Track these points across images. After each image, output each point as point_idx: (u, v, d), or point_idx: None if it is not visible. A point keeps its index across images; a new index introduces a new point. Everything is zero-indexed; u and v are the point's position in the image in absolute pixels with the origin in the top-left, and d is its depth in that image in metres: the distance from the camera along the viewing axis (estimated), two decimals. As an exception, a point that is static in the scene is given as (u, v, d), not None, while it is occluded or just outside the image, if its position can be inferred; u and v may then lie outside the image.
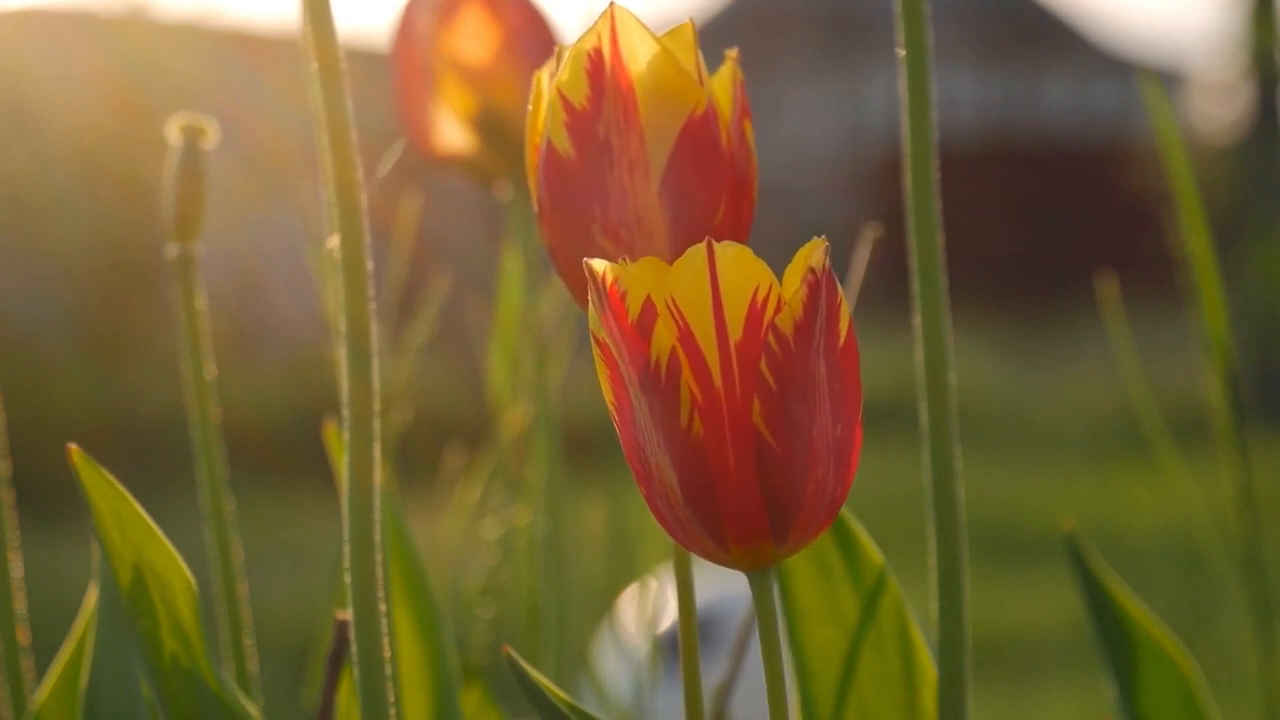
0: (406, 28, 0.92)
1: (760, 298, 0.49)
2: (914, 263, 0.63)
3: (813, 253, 0.49)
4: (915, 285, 0.63)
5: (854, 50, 10.38)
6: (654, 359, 0.49)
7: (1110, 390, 5.28)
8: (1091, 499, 3.89)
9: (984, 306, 7.35)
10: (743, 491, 0.50)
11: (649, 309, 0.49)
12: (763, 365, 0.49)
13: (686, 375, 0.49)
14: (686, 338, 0.49)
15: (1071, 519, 0.74)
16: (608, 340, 0.50)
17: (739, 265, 0.49)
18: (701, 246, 0.49)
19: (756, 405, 0.49)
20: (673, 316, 0.49)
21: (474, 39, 0.90)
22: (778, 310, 0.49)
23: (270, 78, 4.42)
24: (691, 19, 0.57)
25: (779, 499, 0.50)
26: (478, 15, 0.90)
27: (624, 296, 0.50)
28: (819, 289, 0.49)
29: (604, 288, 0.50)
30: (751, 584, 0.52)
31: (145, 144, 4.25)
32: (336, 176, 0.57)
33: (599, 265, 0.50)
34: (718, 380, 0.49)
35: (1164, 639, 0.72)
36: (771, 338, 0.49)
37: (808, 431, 0.50)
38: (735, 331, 0.49)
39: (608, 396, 0.51)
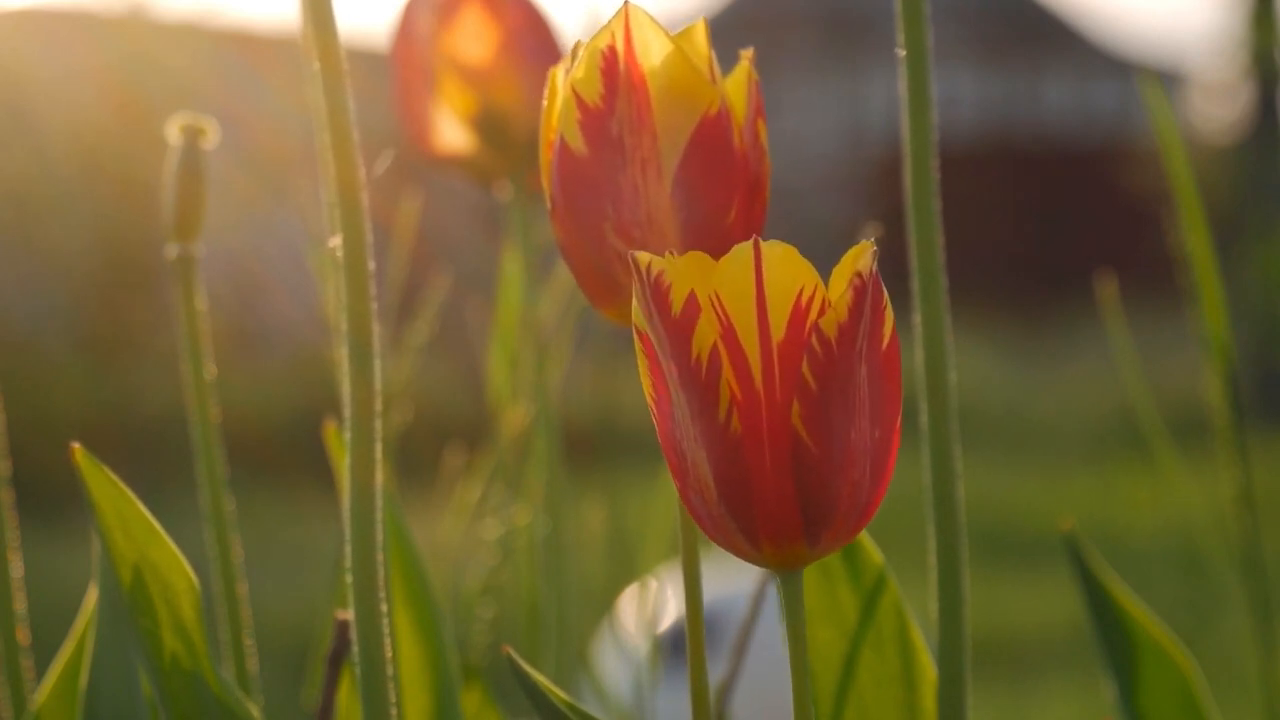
0: (406, 28, 0.92)
1: (805, 299, 0.49)
2: (914, 263, 0.63)
3: (860, 256, 0.49)
4: (915, 285, 0.63)
5: (854, 50, 10.38)
6: (695, 354, 0.49)
7: (1110, 390, 5.28)
8: (1091, 499, 3.89)
9: (984, 306, 7.35)
10: (778, 491, 0.50)
11: (692, 304, 0.49)
12: (804, 366, 0.49)
13: (727, 372, 0.49)
14: (729, 335, 0.49)
15: (1071, 519, 0.74)
16: (649, 332, 0.50)
17: (785, 265, 0.49)
18: (748, 245, 0.49)
19: (796, 406, 0.49)
20: (716, 313, 0.49)
21: (474, 39, 0.90)
22: (822, 312, 0.49)
23: (270, 78, 4.42)
24: (705, 18, 0.57)
25: (814, 500, 0.50)
26: (478, 15, 0.90)
27: (668, 290, 0.49)
28: (865, 293, 0.49)
29: (649, 280, 0.50)
30: (782, 584, 0.52)
31: (145, 144, 4.25)
32: (338, 176, 0.57)
33: (644, 258, 0.50)
34: (758, 379, 0.49)
35: (1164, 639, 0.72)
36: (814, 339, 0.49)
37: (846, 434, 0.50)
38: (778, 331, 0.49)
39: (646, 389, 0.51)
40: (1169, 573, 2.94)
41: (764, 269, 0.49)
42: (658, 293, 0.49)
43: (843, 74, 10.34)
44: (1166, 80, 8.78)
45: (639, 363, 0.51)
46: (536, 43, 0.90)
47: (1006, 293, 8.59)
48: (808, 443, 0.49)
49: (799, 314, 0.49)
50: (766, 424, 0.49)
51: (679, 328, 0.49)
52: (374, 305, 0.58)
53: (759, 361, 0.49)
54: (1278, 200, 5.76)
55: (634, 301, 0.50)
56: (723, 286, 0.49)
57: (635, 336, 0.51)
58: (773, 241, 0.49)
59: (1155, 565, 3.01)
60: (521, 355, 0.94)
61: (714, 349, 0.49)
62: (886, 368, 0.51)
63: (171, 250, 0.71)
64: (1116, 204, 8.89)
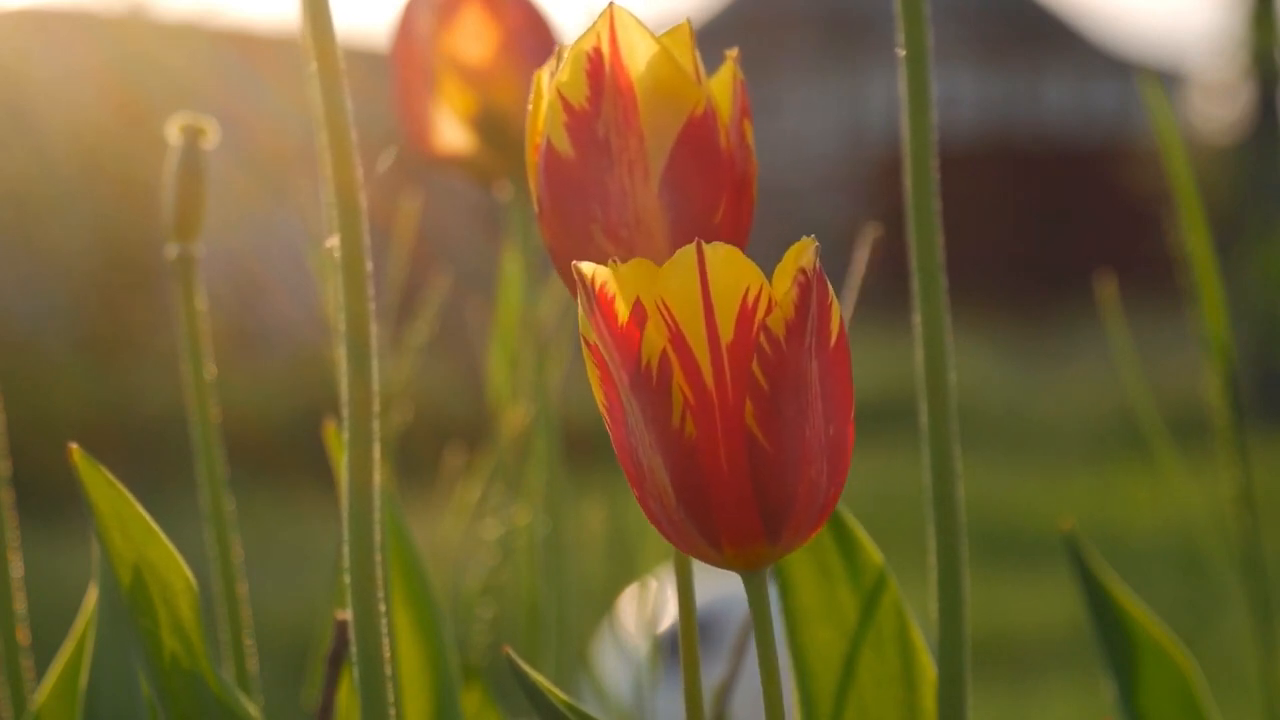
0: (406, 28, 0.92)
1: (751, 298, 0.49)
2: (914, 263, 0.63)
3: (803, 253, 0.49)
4: (915, 285, 0.63)
5: (854, 50, 10.38)
6: (645, 361, 0.49)
7: (1110, 390, 5.28)
8: (1091, 499, 3.89)
9: (984, 306, 7.35)
10: (736, 492, 0.50)
11: (639, 311, 0.49)
12: (754, 366, 0.49)
13: (678, 377, 0.49)
14: (677, 339, 0.49)
15: (1071, 519, 0.74)
16: (598, 342, 0.50)
17: (729, 266, 0.49)
18: (691, 248, 0.49)
19: (748, 406, 0.49)
20: (663, 318, 0.49)
21: (474, 39, 0.90)
22: (769, 311, 0.49)
23: (270, 78, 4.42)
24: (689, 19, 0.57)
25: (772, 499, 0.50)
26: (478, 15, 0.90)
27: (614, 298, 0.49)
28: (810, 289, 0.49)
29: (593, 290, 0.50)
30: (746, 584, 0.52)
31: (145, 144, 4.25)
32: (336, 176, 0.57)
33: (588, 268, 0.50)
34: (709, 381, 0.49)
35: (1164, 639, 0.72)
36: (763, 338, 0.49)
37: (800, 431, 0.50)
38: (726, 332, 0.49)
39: (599, 398, 0.51)
40: (1169, 573, 2.94)
41: (709, 271, 0.49)
42: (603, 302, 0.49)
43: (843, 74, 10.34)
44: (1166, 80, 8.78)
45: (589, 373, 0.51)
46: (536, 43, 0.90)
47: (1006, 293, 8.60)
48: (763, 442, 0.49)
49: (746, 314, 0.49)
50: (720, 426, 0.49)
51: (626, 336, 0.49)
52: (372, 305, 0.58)
53: (709, 364, 0.49)
54: (1278, 200, 5.76)
55: (579, 312, 0.50)
56: (668, 292, 0.49)
57: (584, 347, 0.51)
58: (716, 243, 0.49)
59: (1155, 565, 3.01)
60: (521, 355, 0.94)
61: (663, 354, 0.49)
62: (836, 363, 0.51)
63: (171, 250, 0.71)
64: (1116, 204, 8.90)
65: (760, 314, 0.49)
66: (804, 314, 0.49)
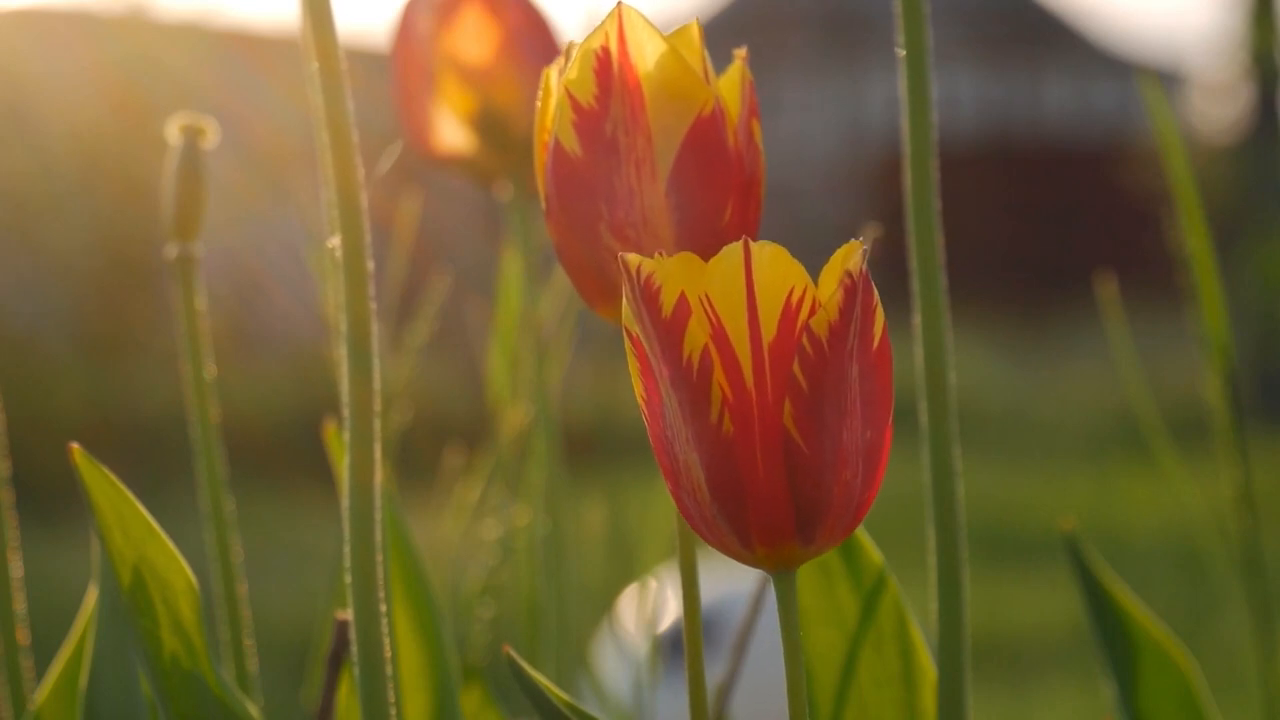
0: (406, 28, 0.92)
1: (795, 298, 0.49)
2: (914, 263, 0.63)
3: (850, 256, 0.49)
4: (915, 285, 0.63)
5: (854, 50, 10.38)
6: (686, 356, 0.49)
7: (1110, 390, 5.28)
8: (1091, 499, 3.89)
9: (984, 306, 7.35)
10: (770, 492, 0.50)
11: (683, 305, 0.49)
12: (795, 366, 0.49)
13: (718, 373, 0.49)
14: (719, 336, 0.49)
15: (1071, 519, 0.74)
16: (640, 334, 0.50)
17: (775, 265, 0.49)
18: (738, 245, 0.49)
19: (787, 406, 0.49)
20: (707, 314, 0.49)
21: (474, 39, 0.90)
22: (813, 312, 0.49)
23: (270, 78, 4.42)
24: (698, 18, 0.57)
25: (807, 500, 0.50)
26: (478, 15, 0.90)
27: (658, 291, 0.49)
28: (855, 292, 0.49)
29: (639, 282, 0.50)
30: (775, 585, 0.52)
31: (145, 144, 4.25)
32: (337, 176, 0.57)
33: (634, 259, 0.50)
34: (749, 379, 0.49)
35: (1164, 639, 0.72)
36: (805, 339, 0.49)
37: (838, 434, 0.50)
38: (769, 331, 0.49)
39: (637, 390, 0.51)
40: (1169, 573, 2.94)
41: (754, 269, 0.49)
42: (648, 294, 0.49)
43: (843, 74, 10.34)
44: (1166, 80, 8.78)
45: (630, 364, 0.51)
46: (536, 43, 0.90)
47: (1006, 293, 8.60)
48: (799, 443, 0.49)
49: (790, 314, 0.49)
50: (758, 424, 0.49)
51: (670, 329, 0.49)
52: (373, 305, 0.58)
53: (750, 362, 0.49)
54: (1278, 200, 5.76)
55: (624, 303, 0.50)
56: (713, 287, 0.49)
57: (625, 338, 0.51)
58: (763, 241, 0.49)
59: (1155, 565, 3.01)
60: (521, 355, 0.94)
61: (705, 350, 0.49)
62: (878, 367, 0.51)
63: (171, 250, 0.71)
64: (1116, 204, 8.89)
65: (804, 314, 0.49)
66: (848, 317, 0.49)
